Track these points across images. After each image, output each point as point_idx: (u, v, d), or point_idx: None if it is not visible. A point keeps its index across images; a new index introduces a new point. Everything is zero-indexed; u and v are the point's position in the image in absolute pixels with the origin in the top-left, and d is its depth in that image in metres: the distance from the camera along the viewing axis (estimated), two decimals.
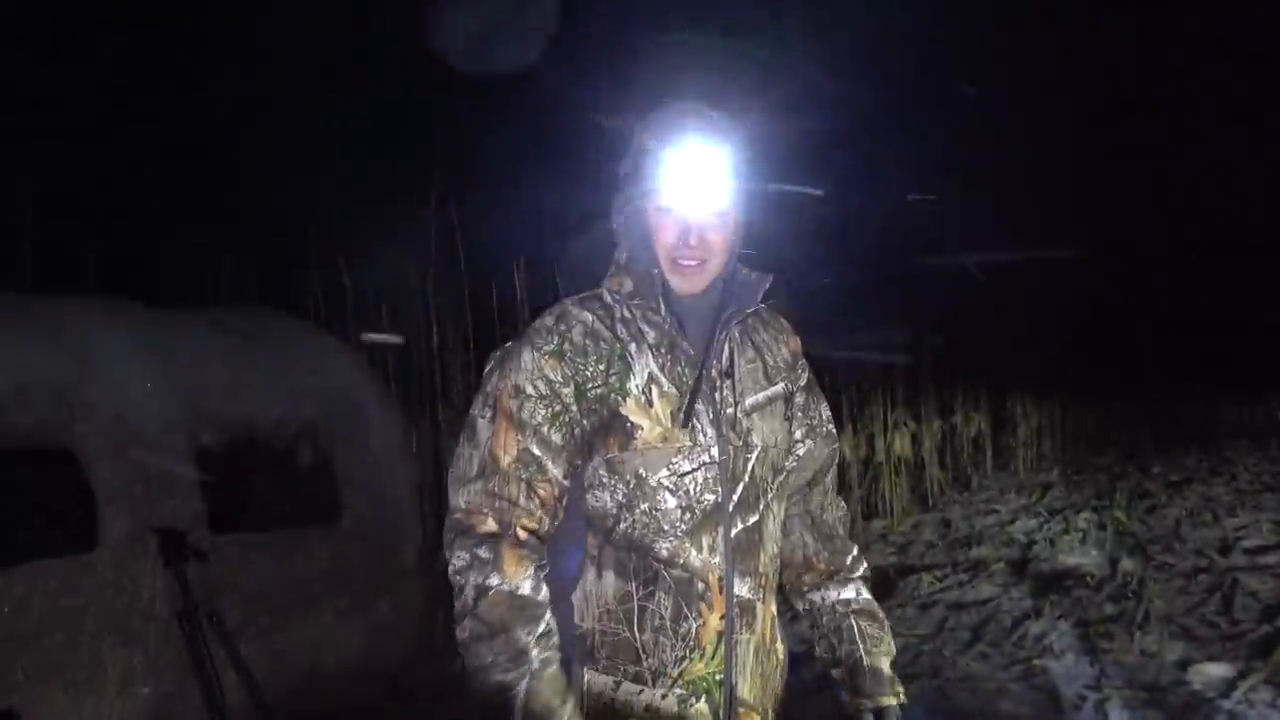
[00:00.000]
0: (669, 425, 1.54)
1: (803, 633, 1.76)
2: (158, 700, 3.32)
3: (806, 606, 1.77)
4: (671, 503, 1.53)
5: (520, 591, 1.47)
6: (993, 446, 12.91)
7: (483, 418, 1.56)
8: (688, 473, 1.54)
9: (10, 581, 3.06)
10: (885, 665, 1.71)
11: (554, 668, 1.48)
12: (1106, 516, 8.75)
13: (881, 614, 1.76)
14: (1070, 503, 9.81)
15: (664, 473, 1.53)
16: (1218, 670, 4.69)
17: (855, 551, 1.80)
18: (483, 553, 1.48)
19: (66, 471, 3.32)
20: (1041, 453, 14.16)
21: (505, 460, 1.52)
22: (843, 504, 1.83)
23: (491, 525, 1.50)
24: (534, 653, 1.46)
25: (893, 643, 1.75)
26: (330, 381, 4.49)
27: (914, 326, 11.27)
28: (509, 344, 1.62)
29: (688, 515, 1.54)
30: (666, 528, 1.53)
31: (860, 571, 1.79)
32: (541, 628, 1.47)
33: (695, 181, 1.54)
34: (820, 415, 1.76)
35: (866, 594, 1.77)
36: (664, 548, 1.53)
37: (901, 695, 1.69)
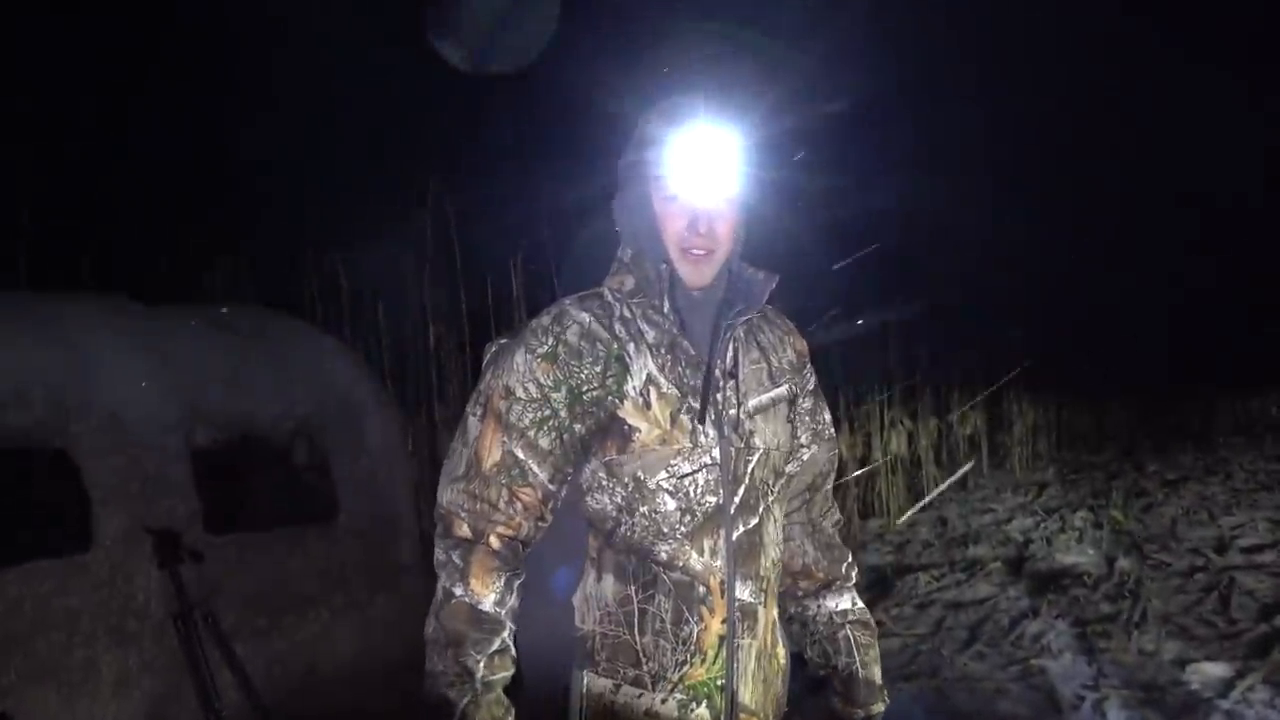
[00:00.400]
0: (667, 427, 1.52)
1: (792, 635, 1.77)
2: (152, 701, 3.30)
3: (799, 610, 1.77)
4: (671, 505, 1.52)
5: (481, 606, 1.47)
6: (989, 445, 12.90)
7: (474, 415, 1.55)
8: (687, 475, 1.52)
9: (4, 582, 3.04)
10: (877, 674, 1.74)
11: (495, 693, 1.47)
12: (1103, 515, 8.75)
13: (872, 621, 1.79)
14: (1066, 501, 9.79)
15: (662, 475, 1.51)
16: (1215, 669, 4.69)
17: (849, 558, 1.80)
18: (455, 557, 1.49)
19: (61, 471, 3.31)
20: (1038, 451, 14.15)
21: (488, 462, 1.51)
22: (838, 510, 1.82)
23: (466, 531, 1.50)
24: (480, 673, 1.46)
25: (878, 649, 1.78)
26: (327, 381, 4.48)
27: (912, 324, 11.28)
28: (506, 340, 1.61)
29: (688, 518, 1.52)
30: (666, 530, 1.52)
31: (854, 579, 1.79)
32: (495, 645, 1.47)
33: (704, 166, 1.52)
34: (823, 420, 1.75)
35: (860, 602, 1.78)
36: (664, 551, 1.52)
37: (887, 698, 1.74)
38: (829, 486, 1.79)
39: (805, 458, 1.71)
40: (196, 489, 3.59)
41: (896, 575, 7.09)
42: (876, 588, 6.71)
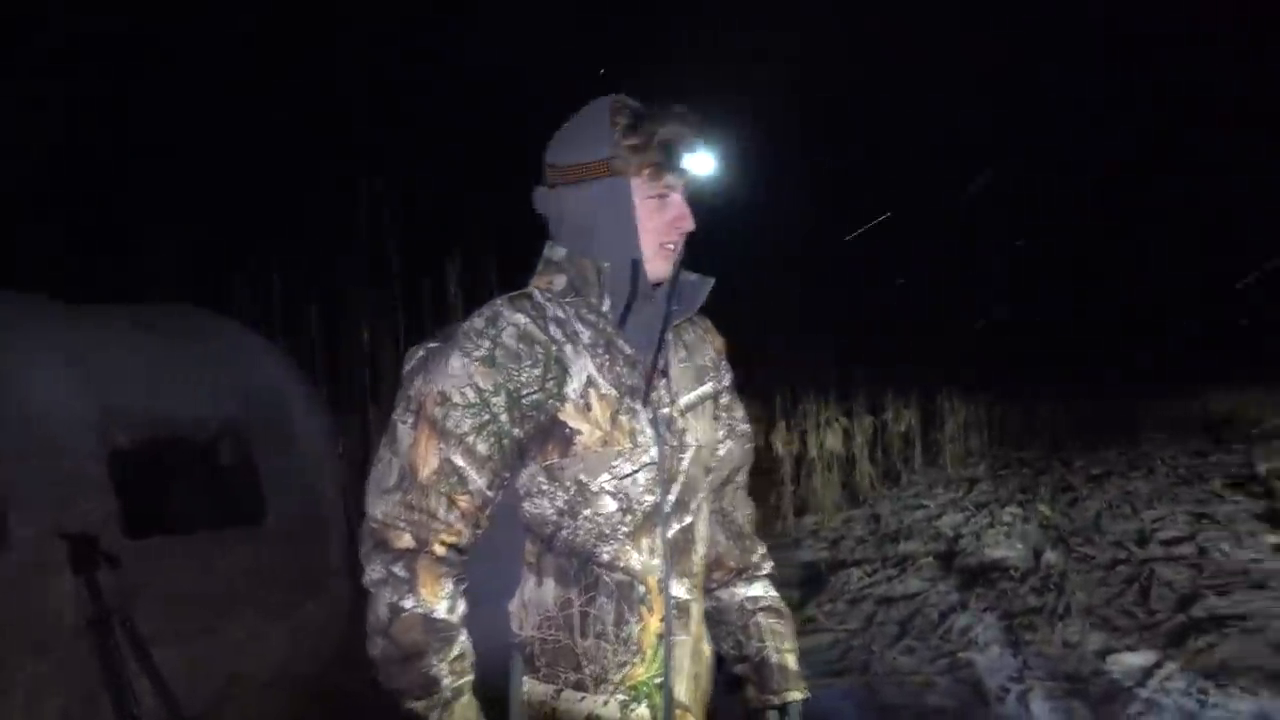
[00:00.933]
0: (609, 428, 1.51)
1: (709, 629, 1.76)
2: (67, 712, 3.21)
3: (714, 604, 1.76)
4: (612, 506, 1.51)
5: (435, 614, 1.44)
6: (922, 442, 13.12)
7: (404, 423, 1.50)
8: (627, 475, 1.51)
9: None
10: (792, 661, 1.71)
11: (466, 697, 1.45)
12: (1030, 510, 8.94)
13: (787, 610, 1.77)
14: (996, 497, 9.99)
15: (605, 477, 1.51)
16: (1135, 659, 4.82)
17: (763, 549, 1.80)
18: (398, 570, 1.45)
19: None
20: (969, 448, 14.43)
21: (425, 471, 1.47)
22: (751, 502, 1.83)
23: (408, 541, 1.46)
24: (446, 681, 1.43)
25: (796, 640, 1.76)
26: (255, 380, 4.39)
27: (847, 324, 11.45)
28: (434, 344, 1.57)
29: (629, 518, 1.52)
30: (608, 532, 1.51)
31: (767, 569, 1.78)
32: (455, 651, 1.45)
33: (699, 160, 1.56)
34: (738, 416, 1.76)
35: (774, 591, 1.77)
36: (606, 552, 1.51)
37: (805, 690, 1.70)
38: (742, 479, 1.79)
39: (722, 453, 1.72)
40: (115, 490, 3.49)
41: (830, 571, 7.17)
42: (810, 584, 6.78)
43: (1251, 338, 18.76)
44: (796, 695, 1.69)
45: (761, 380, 9.49)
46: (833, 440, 10.56)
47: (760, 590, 1.76)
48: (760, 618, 1.73)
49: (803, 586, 6.72)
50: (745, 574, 1.76)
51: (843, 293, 11.64)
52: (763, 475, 9.24)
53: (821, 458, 10.16)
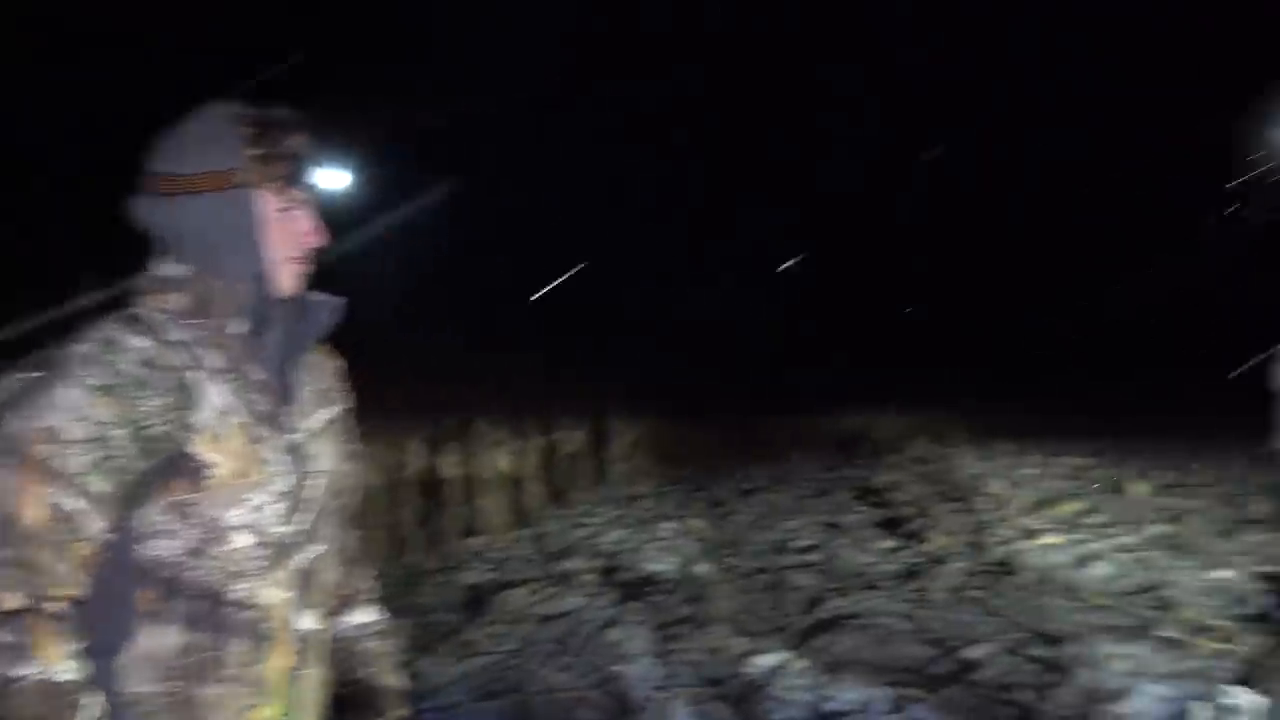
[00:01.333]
0: (241, 459, 1.43)
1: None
2: None
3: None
4: (247, 541, 1.43)
5: (58, 679, 1.26)
6: (591, 461, 13.51)
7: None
8: (259, 507, 1.44)
9: None
10: (397, 681, 1.76)
11: None
12: (686, 525, 9.46)
13: (393, 628, 1.82)
14: (658, 513, 10.47)
15: (238, 510, 1.42)
16: (769, 659, 5.22)
17: (372, 573, 1.81)
18: (6, 636, 1.25)
19: None
20: (636, 467, 15.04)
21: (32, 519, 1.28)
22: (357, 530, 1.81)
23: (15, 600, 1.26)
24: None
25: (399, 658, 1.82)
26: None
27: (518, 342, 11.61)
28: (31, 375, 1.38)
29: (262, 552, 1.44)
30: (240, 569, 1.43)
31: (375, 593, 1.80)
32: (88, 713, 1.28)
33: (327, 175, 1.50)
34: (354, 438, 1.75)
35: (383, 614, 1.79)
36: (237, 590, 1.42)
37: (408, 708, 1.78)
38: (351, 504, 1.77)
39: (347, 478, 1.70)
40: None
41: (495, 592, 7.17)
42: (473, 606, 6.75)
43: (880, 364, 21.16)
44: (404, 711, 1.75)
45: (429, 401, 9.39)
46: (503, 461, 10.61)
47: (368, 616, 1.77)
48: (369, 643, 1.74)
49: (465, 609, 6.68)
50: (354, 599, 1.76)
51: (516, 311, 11.77)
52: (429, 498, 9.12)
53: (491, 479, 10.17)
